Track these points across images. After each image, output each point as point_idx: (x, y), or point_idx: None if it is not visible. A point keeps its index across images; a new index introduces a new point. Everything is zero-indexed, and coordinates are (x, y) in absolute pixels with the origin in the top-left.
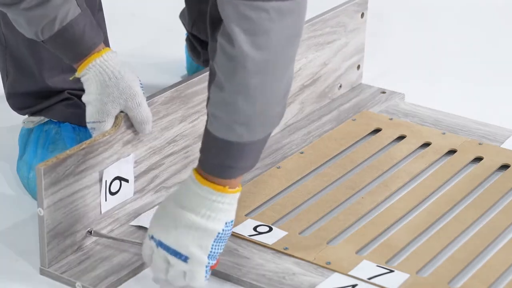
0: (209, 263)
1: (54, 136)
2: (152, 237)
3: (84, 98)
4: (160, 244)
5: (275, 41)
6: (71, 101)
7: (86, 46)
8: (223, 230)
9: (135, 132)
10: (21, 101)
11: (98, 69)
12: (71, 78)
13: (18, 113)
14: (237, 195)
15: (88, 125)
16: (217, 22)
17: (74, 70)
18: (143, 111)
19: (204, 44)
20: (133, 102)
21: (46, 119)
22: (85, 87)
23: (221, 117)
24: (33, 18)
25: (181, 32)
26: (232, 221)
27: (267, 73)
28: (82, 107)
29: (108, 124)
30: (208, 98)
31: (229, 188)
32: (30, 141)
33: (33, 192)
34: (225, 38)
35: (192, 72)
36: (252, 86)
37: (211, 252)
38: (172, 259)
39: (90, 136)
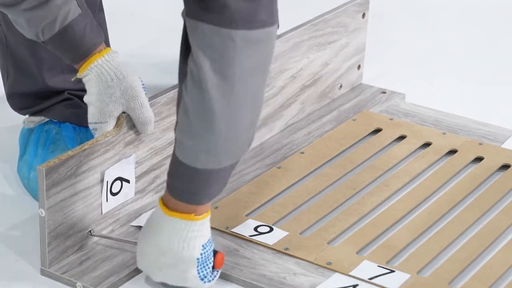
0: (205, 282)
1: (54, 136)
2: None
3: (85, 99)
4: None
5: (240, 70)
6: (72, 101)
7: (87, 47)
8: (201, 254)
9: (137, 132)
10: (21, 101)
11: (99, 70)
12: (72, 79)
13: (19, 113)
14: (206, 220)
15: (90, 126)
16: (189, 45)
17: (74, 71)
18: (145, 111)
19: None
20: (135, 102)
21: (47, 119)
22: (86, 87)
23: (187, 143)
24: (34, 18)
25: (181, 32)
26: (208, 241)
27: (231, 102)
28: (82, 107)
29: (110, 125)
30: (176, 122)
31: (195, 215)
32: (31, 141)
33: (33, 192)
34: (193, 62)
35: None
36: (216, 114)
37: (200, 276)
38: None
39: (91, 136)
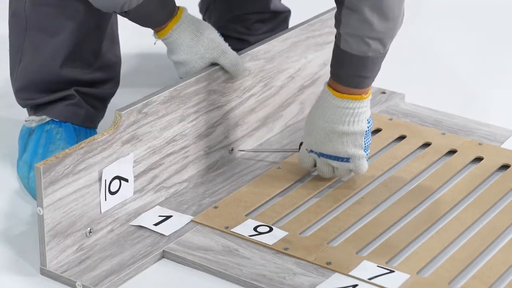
0: (367, 154)
1: (55, 136)
2: (311, 151)
3: (173, 58)
4: (321, 155)
5: None
6: (74, 101)
7: (167, 11)
8: (367, 127)
9: (134, 131)
10: (28, 89)
11: (181, 31)
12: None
13: (22, 103)
14: (370, 98)
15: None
16: None
17: (89, 62)
18: (229, 56)
19: None
20: (218, 52)
21: (48, 119)
22: (170, 48)
23: (358, 35)
24: None
25: None
26: (370, 116)
27: None
28: (84, 107)
29: None
30: (339, 22)
31: (365, 94)
32: (31, 140)
33: (33, 192)
34: None
35: None
36: (384, 5)
37: (365, 146)
38: (336, 163)
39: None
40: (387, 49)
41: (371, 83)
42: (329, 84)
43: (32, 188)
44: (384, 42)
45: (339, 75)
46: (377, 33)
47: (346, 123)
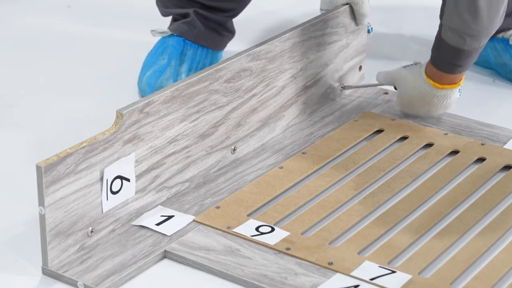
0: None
1: (167, 45)
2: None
3: None
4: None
5: None
6: (188, 19)
7: None
8: (459, 95)
9: (136, 131)
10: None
11: None
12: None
13: (163, 12)
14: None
15: (321, 12)
16: None
17: None
18: (364, 6)
19: None
20: None
21: (170, 33)
22: None
23: (455, 29)
24: None
25: None
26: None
27: None
28: (197, 27)
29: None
30: (443, 12)
31: (460, 81)
32: (152, 48)
33: (142, 92)
34: None
35: None
36: (480, 8)
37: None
38: None
39: (196, 55)
40: (483, 45)
41: (465, 71)
42: (428, 75)
43: (139, 85)
44: (479, 39)
45: (436, 58)
46: (472, 30)
47: (443, 107)
